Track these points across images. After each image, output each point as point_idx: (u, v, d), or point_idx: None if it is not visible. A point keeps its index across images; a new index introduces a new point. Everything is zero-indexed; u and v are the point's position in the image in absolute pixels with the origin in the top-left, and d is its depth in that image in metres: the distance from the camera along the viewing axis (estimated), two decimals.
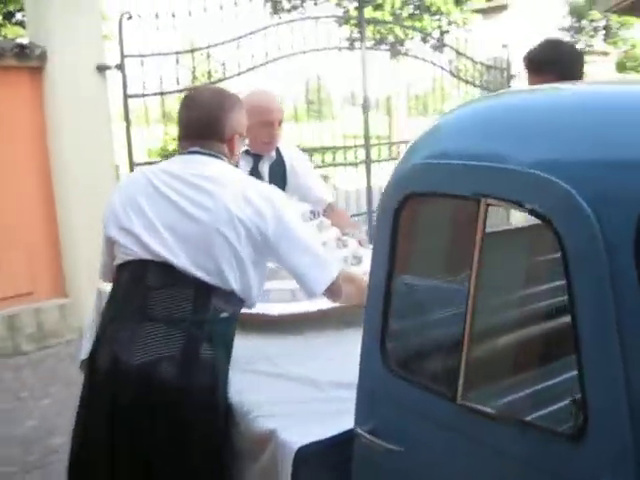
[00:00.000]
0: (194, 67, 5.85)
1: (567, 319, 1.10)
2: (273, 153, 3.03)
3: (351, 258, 2.43)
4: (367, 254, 2.33)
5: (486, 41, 8.24)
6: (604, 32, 26.25)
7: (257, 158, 3.00)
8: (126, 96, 5.48)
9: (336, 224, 2.84)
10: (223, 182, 1.96)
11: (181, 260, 1.89)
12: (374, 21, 7.48)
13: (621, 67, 17.26)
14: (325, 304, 2.17)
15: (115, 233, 2.01)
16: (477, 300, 1.25)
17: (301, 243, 1.99)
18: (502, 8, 9.06)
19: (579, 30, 26.53)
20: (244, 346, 2.02)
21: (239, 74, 6.03)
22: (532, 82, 2.42)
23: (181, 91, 5.81)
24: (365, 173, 7.21)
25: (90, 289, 3.44)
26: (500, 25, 9.03)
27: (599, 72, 11.21)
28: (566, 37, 26.45)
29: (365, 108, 7.19)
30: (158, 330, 1.85)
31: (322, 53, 6.59)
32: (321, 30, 6.59)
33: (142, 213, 1.97)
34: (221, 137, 2.05)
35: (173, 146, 10.28)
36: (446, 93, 8.17)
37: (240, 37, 6.01)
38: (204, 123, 2.05)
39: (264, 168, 3.03)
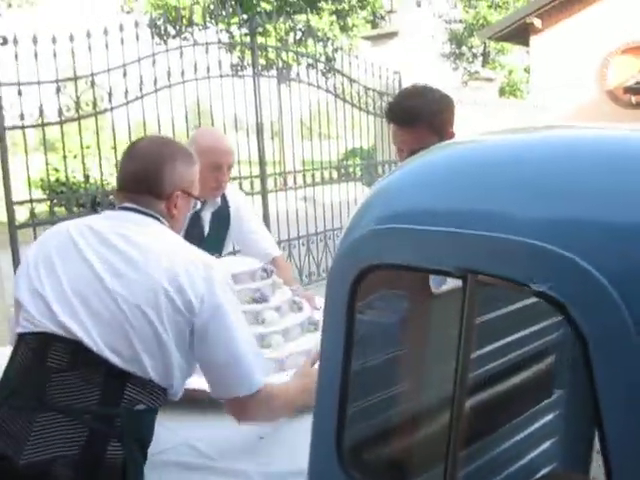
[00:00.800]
0: (78, 96, 5.44)
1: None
2: (218, 199, 2.78)
3: (307, 324, 2.19)
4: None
5: (376, 68, 8.24)
6: (482, 58, 27.38)
7: (203, 203, 2.72)
8: (3, 127, 5.01)
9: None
10: (153, 250, 1.67)
11: (92, 339, 1.58)
12: (265, 47, 7.27)
13: (502, 92, 17.93)
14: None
15: (24, 295, 1.69)
16: (462, 400, 1.03)
17: (230, 345, 1.67)
18: (392, 35, 9.08)
19: (459, 56, 27.57)
20: (164, 430, 1.74)
21: (127, 103, 5.69)
22: (402, 136, 2.18)
23: (64, 122, 5.41)
24: (261, 204, 6.97)
25: None
26: (389, 52, 9.07)
27: (485, 98, 11.49)
28: (447, 63, 27.46)
29: (259, 135, 6.99)
30: (56, 422, 1.53)
31: (213, 80, 6.34)
32: (211, 56, 6.35)
33: (54, 274, 1.67)
34: (158, 193, 1.78)
35: (55, 176, 9.71)
36: (333, 117, 8.08)
37: (127, 64, 5.69)
38: (139, 175, 1.79)
39: (206, 215, 2.78)
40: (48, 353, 1.59)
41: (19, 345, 1.67)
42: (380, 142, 8.75)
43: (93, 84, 5.51)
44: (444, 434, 1.08)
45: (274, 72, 7.51)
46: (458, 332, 1.06)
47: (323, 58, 8.49)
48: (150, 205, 1.77)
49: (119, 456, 1.53)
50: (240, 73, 7.35)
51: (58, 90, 5.30)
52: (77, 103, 5.44)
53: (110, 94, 5.61)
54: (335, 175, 8.10)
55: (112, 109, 5.66)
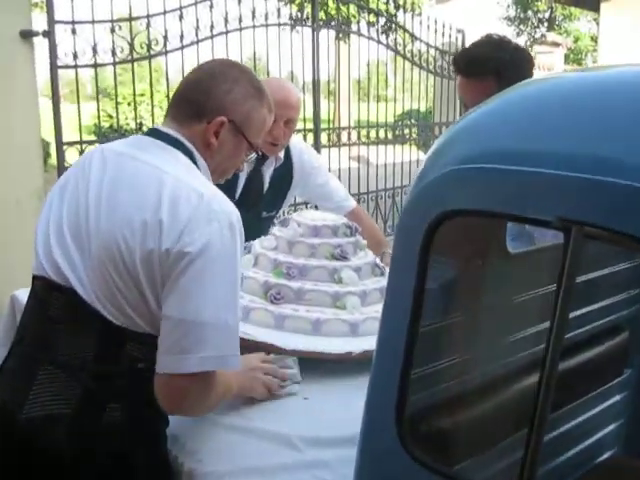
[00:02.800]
0: (132, 37, 5.29)
1: None
2: (281, 154, 2.56)
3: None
4: None
5: (439, 25, 7.92)
6: (548, 23, 26.45)
7: (260, 159, 2.50)
8: (55, 67, 4.90)
9: (368, 239, 2.29)
10: (157, 186, 1.36)
11: (85, 288, 1.37)
12: None
13: (566, 59, 17.27)
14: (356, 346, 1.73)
15: (37, 229, 1.51)
16: (554, 366, 0.85)
17: (199, 299, 1.31)
18: None
19: (524, 20, 26.69)
20: None
21: (182, 47, 5.52)
22: (467, 87, 1.98)
23: (117, 63, 5.28)
24: None
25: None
26: (452, 11, 8.71)
27: (551, 63, 11.04)
28: (511, 27, 26.62)
29: (316, 91, 6.79)
30: (55, 378, 1.39)
31: (271, 30, 6.13)
32: (270, 6, 6.14)
33: (61, 204, 1.47)
34: (199, 110, 1.47)
35: (109, 123, 9.68)
36: (391, 77, 7.80)
37: (183, 7, 5.50)
38: (188, 87, 1.53)
39: (267, 171, 2.57)
40: (49, 301, 1.44)
41: (32, 288, 1.51)
42: (439, 103, 8.47)
43: (148, 26, 5.34)
44: (520, 407, 0.91)
45: (332, 26, 7.26)
46: (555, 295, 0.88)
47: (385, 14, 8.19)
48: (185, 124, 1.48)
49: (118, 418, 1.37)
50: (299, 25, 7.09)
51: (112, 30, 5.15)
52: (131, 45, 5.28)
53: (165, 37, 5.44)
54: (390, 135, 7.86)
55: (167, 53, 5.49)
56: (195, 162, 1.46)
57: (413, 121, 8.65)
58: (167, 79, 5.69)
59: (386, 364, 1.05)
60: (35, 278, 1.48)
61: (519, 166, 0.89)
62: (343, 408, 1.53)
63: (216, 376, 1.36)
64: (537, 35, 25.51)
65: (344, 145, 7.18)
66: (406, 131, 8.23)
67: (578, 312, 1.52)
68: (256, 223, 2.56)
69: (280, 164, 2.57)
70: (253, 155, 1.62)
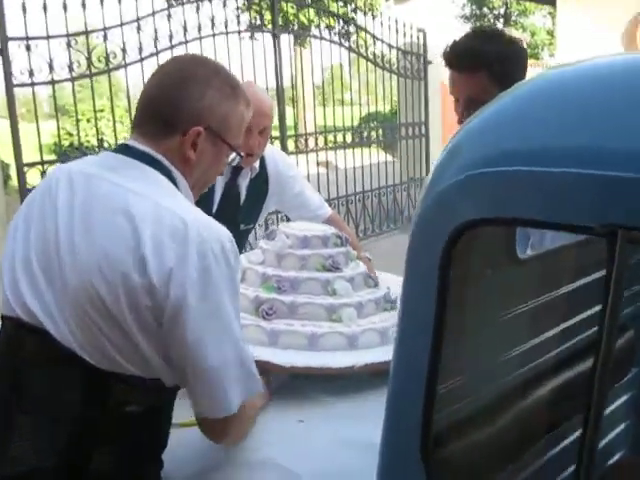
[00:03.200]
0: (90, 51, 5.14)
1: None
2: (256, 164, 2.44)
3: (383, 301, 1.84)
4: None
5: (400, 25, 7.88)
6: (504, 19, 26.74)
7: (236, 170, 2.39)
8: (11, 85, 4.72)
9: None
10: (135, 213, 1.19)
11: (59, 328, 1.20)
12: (287, 0, 6.92)
13: None
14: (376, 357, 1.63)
15: (2, 264, 1.32)
16: (604, 381, 0.75)
17: (218, 342, 1.22)
18: None
19: (480, 18, 26.93)
20: None
21: (141, 59, 5.38)
22: (459, 82, 1.86)
23: (75, 79, 5.12)
24: None
25: None
26: (408, 11, 8.68)
27: None
28: (468, 25, 26.88)
29: (280, 97, 6.70)
30: (35, 428, 1.22)
31: (231, 38, 6.03)
32: (228, 13, 6.04)
33: (28, 233, 1.28)
34: (171, 122, 1.29)
35: (69, 141, 9.45)
36: (353, 80, 7.74)
37: (141, 18, 5.37)
38: (153, 95, 1.33)
39: (243, 182, 2.44)
40: (22, 344, 1.26)
41: (2, 327, 1.33)
42: (404, 104, 8.44)
43: (105, 39, 5.19)
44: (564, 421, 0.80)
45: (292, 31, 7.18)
46: (603, 304, 0.78)
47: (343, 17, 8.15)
48: (157, 140, 1.29)
49: (106, 466, 1.22)
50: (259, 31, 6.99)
51: (69, 45, 4.99)
52: (89, 59, 5.13)
53: (124, 50, 5.30)
54: (354, 139, 7.79)
55: (126, 66, 5.35)
56: (174, 182, 1.29)
57: (376, 123, 8.60)
58: (128, 92, 5.54)
59: (406, 384, 0.95)
60: (4, 318, 1.29)
61: (548, 167, 0.79)
62: (343, 434, 1.45)
63: (246, 404, 1.31)
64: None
65: (311, 151, 7.08)
66: (371, 133, 8.16)
67: (590, 312, 1.44)
68: (235, 236, 2.45)
69: (255, 174, 2.46)
70: (235, 158, 1.49)
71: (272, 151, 2.61)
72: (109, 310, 1.17)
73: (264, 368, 1.50)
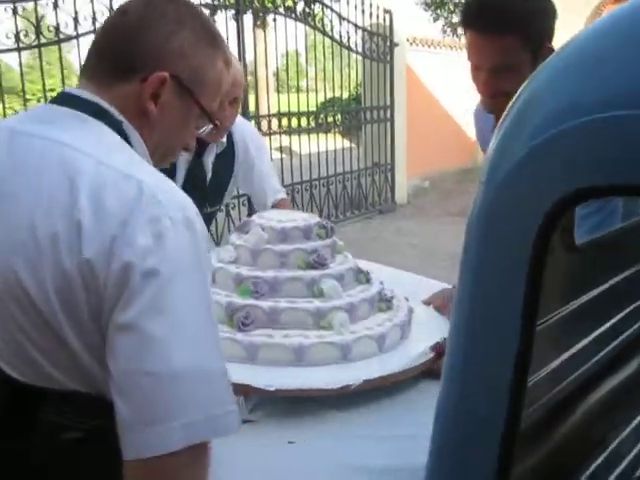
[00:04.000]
0: (38, 19, 4.76)
1: None
2: (224, 139, 2.17)
3: (377, 300, 1.58)
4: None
5: (366, 5, 7.63)
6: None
7: (201, 145, 2.07)
8: None
9: None
10: (71, 174, 0.90)
11: None
12: None
13: None
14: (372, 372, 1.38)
15: None
16: None
17: (183, 347, 0.87)
18: None
19: (440, 5, 26.77)
20: None
21: (95, 30, 5.02)
22: (483, 46, 1.54)
23: (22, 49, 4.73)
24: None
25: None
26: None
27: None
28: (428, 12, 26.70)
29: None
30: None
31: None
32: None
33: None
34: (127, 69, 1.01)
35: None
36: (315, 63, 7.44)
37: None
38: (111, 35, 1.04)
39: (208, 160, 2.16)
40: None
41: None
42: (369, 86, 8.19)
43: (56, 7, 4.81)
44: None
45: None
46: None
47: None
48: (108, 85, 1.01)
49: None
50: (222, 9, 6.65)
51: (15, 12, 4.61)
52: (37, 28, 4.76)
53: (76, 19, 4.93)
54: (312, 124, 7.52)
55: (78, 37, 4.98)
56: (127, 138, 1.02)
57: (336, 108, 8.33)
58: (81, 65, 5.17)
59: (478, 418, 0.69)
60: None
61: None
62: (340, 455, 1.24)
63: (209, 447, 0.92)
64: (454, 20, 25.61)
65: (273, 133, 6.79)
66: (329, 119, 7.89)
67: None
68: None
69: (222, 150, 2.18)
70: (208, 127, 1.19)
71: (242, 124, 2.32)
72: (35, 306, 0.88)
73: (242, 391, 1.24)
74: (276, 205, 2.26)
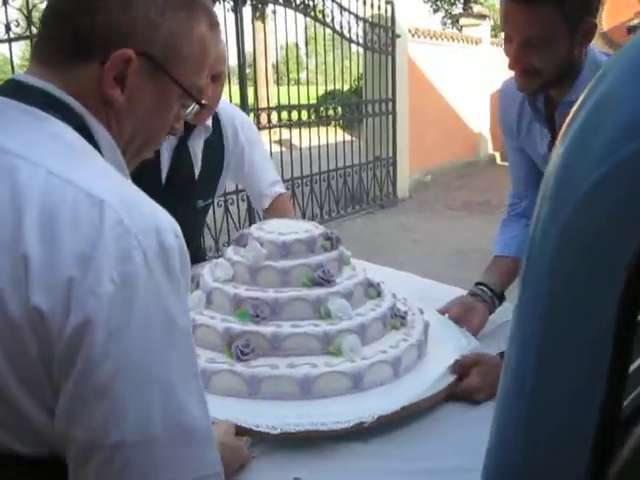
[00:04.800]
0: (30, 8, 4.59)
1: None
2: (209, 122, 1.98)
3: (389, 316, 1.42)
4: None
5: None
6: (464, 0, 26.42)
7: (185, 130, 1.89)
8: None
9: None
10: (15, 192, 0.71)
11: None
12: None
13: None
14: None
15: None
16: None
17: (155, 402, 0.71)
18: None
19: None
20: None
21: None
22: (518, 17, 1.44)
23: (12, 40, 4.57)
24: None
25: None
26: None
27: (479, 36, 10.74)
28: (428, 4, 26.53)
29: (242, 72, 6.24)
30: None
31: None
32: None
33: None
34: (83, 47, 0.82)
35: None
36: (316, 55, 7.27)
37: None
38: (58, 7, 0.84)
39: (195, 145, 1.97)
40: None
41: None
42: (371, 79, 8.03)
43: (6, 3, 4.57)
44: None
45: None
46: None
47: None
48: (62, 68, 0.82)
49: None
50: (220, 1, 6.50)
51: (5, 2, 4.44)
52: (28, 18, 4.58)
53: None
54: (318, 115, 7.37)
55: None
56: (90, 136, 0.82)
57: (336, 101, 8.17)
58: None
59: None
60: None
61: None
62: None
63: None
64: (454, 12, 25.40)
65: (274, 127, 6.63)
66: (330, 112, 7.72)
67: None
68: (191, 216, 2.00)
69: (210, 135, 2.00)
70: (194, 108, 0.94)
71: (229, 106, 2.14)
72: None
73: (242, 433, 1.10)
74: (274, 201, 2.12)
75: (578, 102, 0.55)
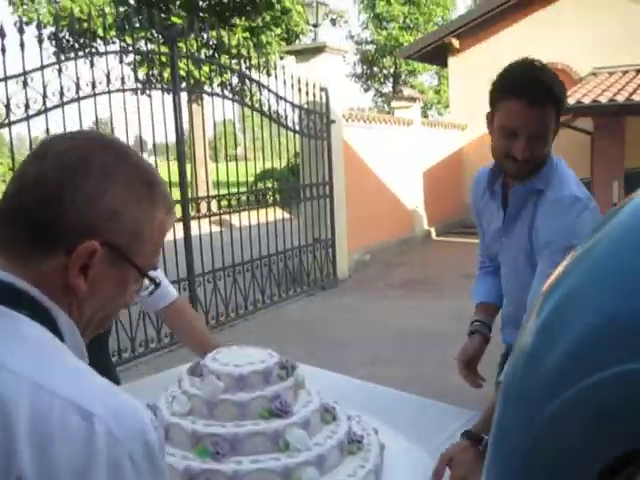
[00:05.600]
0: (8, 98, 4.63)
1: None
2: None
3: (346, 441, 1.44)
4: None
5: (302, 84, 7.70)
6: (393, 79, 27.43)
7: None
8: None
9: (188, 339, 2.04)
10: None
11: None
12: (187, 56, 6.56)
13: None
14: None
15: None
16: None
17: None
18: (317, 50, 8.55)
19: (371, 77, 27.51)
20: None
21: (27, 117, 4.86)
22: (528, 115, 1.67)
23: None
24: (183, 232, 6.25)
25: None
26: (309, 70, 8.53)
27: (410, 118, 11.15)
28: (358, 84, 27.43)
29: (181, 158, 6.30)
30: None
31: (122, 94, 5.60)
32: (121, 69, 5.59)
33: None
34: (48, 239, 0.83)
35: None
36: (250, 136, 7.42)
37: (28, 72, 4.86)
38: (21, 195, 0.85)
39: None
40: None
41: None
42: (307, 163, 8.20)
43: (26, 85, 4.65)
44: None
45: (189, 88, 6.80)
46: None
47: (237, 76, 7.92)
48: (24, 259, 0.83)
49: None
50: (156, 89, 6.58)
51: None
52: (7, 106, 4.60)
53: (7, 107, 4.77)
54: (256, 198, 7.46)
55: (10, 124, 4.81)
56: (57, 329, 0.83)
57: (276, 183, 8.30)
58: (12, 153, 4.98)
59: None
60: None
61: None
62: None
63: None
64: (384, 90, 26.32)
65: (213, 215, 6.66)
66: (272, 194, 7.84)
67: None
68: None
69: None
70: (150, 286, 0.96)
71: None
72: None
73: None
74: (171, 306, 2.05)
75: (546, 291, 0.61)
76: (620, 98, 9.89)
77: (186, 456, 1.29)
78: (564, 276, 0.62)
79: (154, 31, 6.53)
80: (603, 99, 9.80)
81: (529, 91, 1.65)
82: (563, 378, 0.52)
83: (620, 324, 0.53)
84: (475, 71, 13.03)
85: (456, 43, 13.59)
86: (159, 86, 6.31)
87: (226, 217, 7.21)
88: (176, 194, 6.04)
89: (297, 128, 7.90)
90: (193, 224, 6.34)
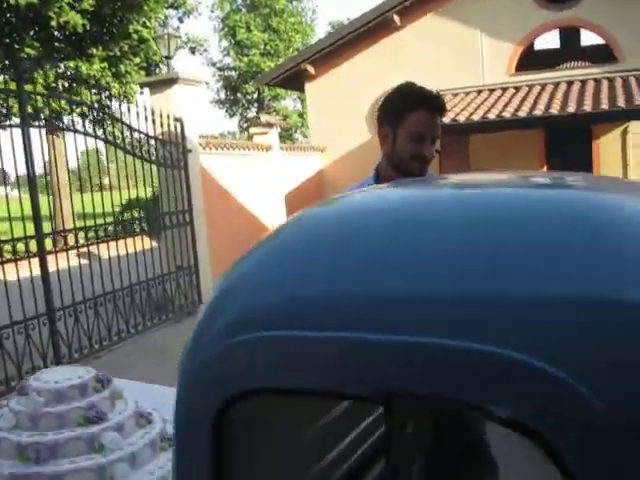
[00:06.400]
0: None
1: None
2: None
3: (159, 440, 1.67)
4: None
5: (157, 115, 7.86)
6: (257, 104, 27.90)
7: None
8: None
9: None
10: None
11: None
12: (35, 93, 6.58)
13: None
14: None
15: None
16: None
17: None
18: (172, 82, 8.73)
19: (235, 103, 27.85)
20: None
21: None
22: (437, 123, 2.12)
23: None
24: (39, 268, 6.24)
25: None
26: (165, 100, 8.71)
27: (268, 143, 11.51)
28: (223, 110, 27.64)
29: (33, 190, 6.29)
30: None
31: None
32: None
33: None
34: None
35: None
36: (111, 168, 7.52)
37: None
38: None
39: None
40: None
41: None
42: (166, 192, 8.35)
43: None
44: None
45: (42, 121, 6.80)
46: None
47: (97, 106, 7.97)
48: None
49: None
50: (5, 122, 6.56)
51: None
52: None
53: None
54: (118, 229, 7.54)
55: None
56: None
57: (140, 212, 8.40)
58: None
59: None
60: None
61: (309, 331, 0.76)
62: None
63: None
64: (249, 115, 26.72)
65: (72, 248, 6.69)
66: (135, 224, 7.95)
67: None
68: None
69: None
70: None
71: None
72: None
73: None
74: None
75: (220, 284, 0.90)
76: (462, 118, 10.71)
77: (12, 465, 1.50)
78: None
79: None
80: (446, 120, 10.56)
81: (433, 103, 2.09)
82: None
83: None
84: (331, 95, 13.64)
85: (311, 69, 14.11)
86: (7, 126, 6.27)
87: (93, 248, 7.25)
88: (30, 229, 6.06)
89: (153, 158, 8.04)
90: (57, 257, 6.34)
